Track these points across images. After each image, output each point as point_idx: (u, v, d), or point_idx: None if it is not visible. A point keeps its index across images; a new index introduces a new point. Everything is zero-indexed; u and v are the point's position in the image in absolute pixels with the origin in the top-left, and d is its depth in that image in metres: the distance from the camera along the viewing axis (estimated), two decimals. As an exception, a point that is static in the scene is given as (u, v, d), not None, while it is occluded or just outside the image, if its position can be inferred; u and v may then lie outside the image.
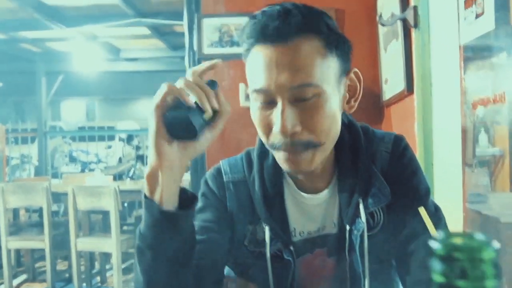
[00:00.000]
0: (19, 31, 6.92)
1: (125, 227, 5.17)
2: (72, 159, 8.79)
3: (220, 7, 2.44)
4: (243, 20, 2.61)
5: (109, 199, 3.59)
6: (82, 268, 3.96)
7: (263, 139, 0.86)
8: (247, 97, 2.29)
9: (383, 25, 2.05)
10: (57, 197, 4.05)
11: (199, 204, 0.95)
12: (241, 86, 2.32)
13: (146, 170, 0.75)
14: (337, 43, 0.83)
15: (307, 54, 0.79)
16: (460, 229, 1.43)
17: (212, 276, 0.89)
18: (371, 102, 2.42)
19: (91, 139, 8.15)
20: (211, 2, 2.45)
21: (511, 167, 1.21)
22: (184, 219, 0.77)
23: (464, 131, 1.39)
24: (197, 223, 0.91)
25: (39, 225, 4.26)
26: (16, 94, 12.78)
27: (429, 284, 0.32)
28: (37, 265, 4.55)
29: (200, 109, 0.73)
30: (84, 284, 3.96)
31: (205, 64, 0.78)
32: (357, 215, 0.88)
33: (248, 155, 0.98)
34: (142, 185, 2.65)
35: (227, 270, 1.01)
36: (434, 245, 0.29)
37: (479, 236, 0.30)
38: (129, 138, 10.11)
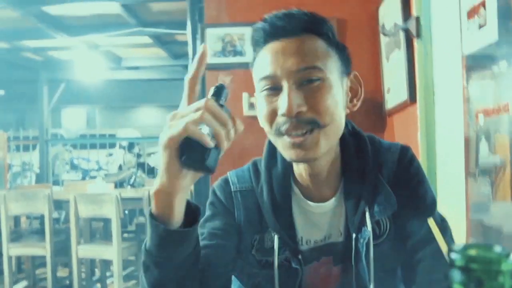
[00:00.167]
0: (22, 40, 6.94)
1: (125, 235, 5.15)
2: (73, 167, 8.79)
3: (223, 17, 2.46)
4: (246, 30, 2.63)
5: (111, 206, 3.59)
6: (83, 275, 3.95)
7: (267, 128, 0.88)
8: (250, 106, 2.30)
9: (385, 35, 2.06)
10: (59, 204, 4.05)
11: (208, 213, 0.97)
12: (245, 95, 2.34)
13: (155, 186, 0.73)
14: (337, 45, 0.88)
15: (311, 46, 0.84)
16: (463, 239, 1.43)
17: (218, 281, 0.90)
18: (374, 111, 2.43)
19: (92, 146, 8.15)
20: (215, 12, 2.47)
21: (512, 176, 1.21)
22: (190, 235, 0.77)
23: (466, 141, 1.39)
24: (205, 230, 0.93)
25: (40, 232, 4.26)
26: (18, 102, 12.82)
27: None
28: (37, 271, 4.54)
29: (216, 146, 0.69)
30: (85, 291, 3.95)
31: (195, 62, 0.74)
32: (363, 223, 0.89)
33: (255, 165, 1.00)
34: (143, 193, 2.63)
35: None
36: (453, 255, 0.30)
37: (497, 248, 0.31)
38: (130, 146, 10.11)
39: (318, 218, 0.94)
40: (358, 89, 0.93)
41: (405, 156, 0.95)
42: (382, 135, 2.41)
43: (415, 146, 1.83)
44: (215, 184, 1.01)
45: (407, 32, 1.90)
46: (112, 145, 10.04)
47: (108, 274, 4.33)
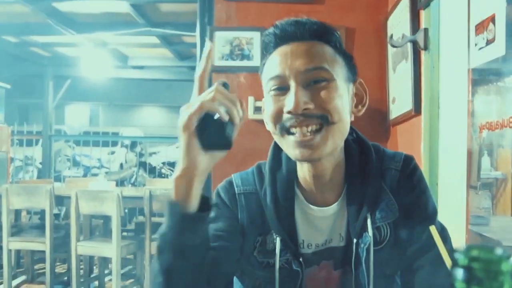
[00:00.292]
0: (31, 35, 7.00)
1: (124, 233, 5.16)
2: (75, 163, 8.82)
3: (233, 21, 2.49)
4: (255, 35, 2.65)
5: (112, 204, 3.61)
6: (81, 272, 3.97)
7: (272, 128, 0.90)
8: (255, 109, 2.32)
9: (393, 46, 2.08)
10: (60, 200, 4.06)
11: (211, 214, 0.99)
12: (250, 99, 2.35)
13: (175, 173, 0.79)
14: (344, 54, 0.91)
15: (319, 49, 0.88)
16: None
17: (221, 281, 0.92)
18: (378, 120, 2.44)
19: (95, 144, 8.18)
20: (224, 16, 2.49)
21: (513, 191, 1.23)
22: (203, 220, 0.82)
23: (469, 154, 1.41)
24: (209, 231, 0.94)
25: (40, 227, 4.28)
26: (23, 97, 12.86)
27: None
28: (36, 266, 4.56)
29: (230, 121, 0.77)
30: (82, 288, 3.97)
31: (204, 57, 0.82)
32: (365, 229, 0.91)
33: (259, 168, 1.02)
34: (144, 192, 2.65)
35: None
36: (456, 255, 0.32)
37: (498, 250, 0.33)
38: (133, 145, 10.14)
39: (320, 222, 0.96)
40: (363, 96, 0.96)
41: (409, 165, 0.97)
42: (385, 145, 2.42)
43: (418, 157, 1.84)
44: (219, 186, 1.03)
45: (414, 44, 1.92)
46: (115, 143, 10.06)
47: (106, 272, 4.35)
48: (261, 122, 0.92)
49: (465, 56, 1.41)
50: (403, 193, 0.94)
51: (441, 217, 0.97)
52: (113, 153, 9.83)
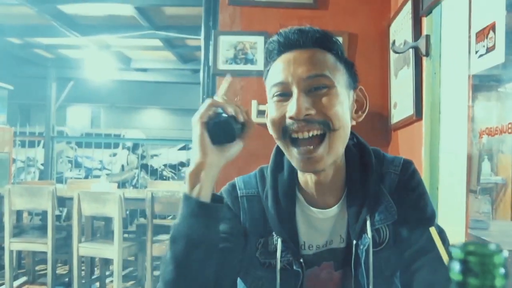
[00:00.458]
0: (35, 37, 7.03)
1: (126, 235, 5.19)
2: (77, 165, 8.84)
3: (237, 25, 2.51)
4: (258, 39, 2.67)
5: (114, 205, 3.63)
6: (82, 273, 3.98)
7: (275, 134, 0.94)
8: (259, 113, 2.34)
9: (395, 52, 2.10)
10: (62, 201, 4.08)
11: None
12: (253, 102, 2.38)
13: (189, 168, 0.87)
14: (345, 61, 0.95)
15: (320, 57, 0.91)
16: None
17: (225, 281, 0.95)
18: (379, 125, 2.46)
19: (97, 146, 8.21)
20: (228, 20, 2.52)
21: (513, 196, 1.24)
22: (216, 211, 0.87)
23: (469, 159, 1.42)
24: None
25: (42, 228, 4.30)
26: (24, 98, 12.89)
27: None
28: (37, 267, 4.57)
29: (235, 119, 0.88)
30: (84, 289, 3.98)
31: (223, 86, 0.93)
32: (364, 231, 0.94)
33: (262, 172, 1.05)
34: (146, 194, 2.69)
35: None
36: (454, 250, 0.35)
37: (492, 245, 0.36)
38: (135, 147, 10.16)
39: (321, 224, 0.98)
40: (364, 102, 0.99)
41: (408, 169, 1.00)
42: (386, 149, 2.44)
43: (419, 161, 1.86)
44: (223, 189, 1.06)
45: (416, 50, 1.94)
46: (116, 145, 10.09)
47: (107, 273, 4.37)
48: (264, 125, 0.95)
49: (466, 63, 1.43)
50: (402, 196, 0.97)
51: (441, 221, 1.00)
52: (115, 155, 9.86)
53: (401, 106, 2.23)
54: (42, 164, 8.43)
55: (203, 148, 0.86)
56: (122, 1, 5.06)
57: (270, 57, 0.96)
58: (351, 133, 1.00)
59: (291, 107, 0.88)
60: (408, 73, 2.07)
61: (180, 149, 11.32)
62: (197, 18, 4.81)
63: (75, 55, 8.28)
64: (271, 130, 0.95)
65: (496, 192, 1.33)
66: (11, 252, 3.96)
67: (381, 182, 0.98)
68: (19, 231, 4.25)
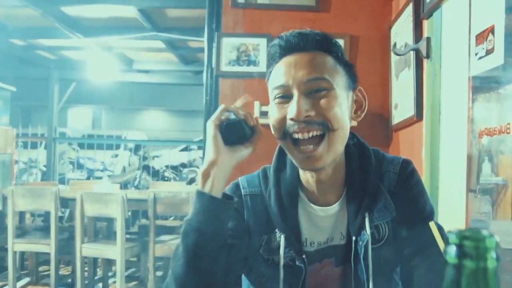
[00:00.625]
0: (38, 39, 7.07)
1: (128, 236, 5.22)
2: (79, 166, 8.86)
3: (240, 27, 2.54)
4: (261, 41, 2.69)
5: (116, 206, 3.64)
6: (85, 274, 4.00)
7: (277, 134, 0.97)
8: (261, 114, 2.37)
9: (397, 54, 2.12)
10: (64, 202, 4.09)
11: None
12: (256, 103, 2.41)
13: (202, 167, 0.92)
14: (345, 63, 0.97)
15: (320, 60, 0.94)
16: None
17: (230, 276, 0.98)
18: (381, 126, 2.49)
19: (99, 147, 8.24)
20: (231, 22, 2.55)
21: (513, 197, 1.26)
22: (227, 207, 0.92)
23: (469, 159, 1.45)
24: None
25: (44, 229, 4.31)
26: (25, 99, 12.90)
27: None
28: (40, 268, 4.59)
29: (246, 123, 0.96)
30: (87, 290, 4.00)
31: (239, 101, 1.02)
32: (363, 227, 0.97)
33: (264, 171, 1.08)
34: (149, 194, 2.71)
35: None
36: (450, 235, 0.39)
37: (484, 231, 0.41)
38: (136, 148, 10.19)
39: (322, 222, 1.01)
40: (363, 102, 1.02)
41: (406, 168, 1.03)
42: (387, 149, 2.47)
43: (420, 161, 1.89)
44: (227, 188, 1.08)
45: (417, 52, 1.96)
46: (118, 147, 10.12)
47: (110, 274, 4.39)
48: (266, 126, 0.98)
49: (466, 65, 1.45)
50: (401, 195, 1.00)
51: (441, 220, 1.02)
52: (116, 156, 9.88)
53: (402, 107, 2.25)
54: (44, 166, 8.46)
55: (216, 148, 0.92)
56: (125, 3, 5.10)
57: (272, 60, 0.99)
58: (352, 133, 1.04)
59: (292, 109, 0.91)
60: (409, 74, 2.10)
61: (181, 150, 11.35)
62: (199, 20, 4.84)
63: (77, 57, 8.32)
64: (273, 131, 0.98)
65: (497, 193, 1.35)
66: (14, 253, 3.96)
67: (380, 181, 1.01)
68: (22, 232, 4.25)
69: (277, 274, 0.99)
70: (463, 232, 0.41)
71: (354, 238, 0.97)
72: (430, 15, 1.85)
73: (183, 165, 9.52)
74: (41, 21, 5.85)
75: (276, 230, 1.01)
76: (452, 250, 0.40)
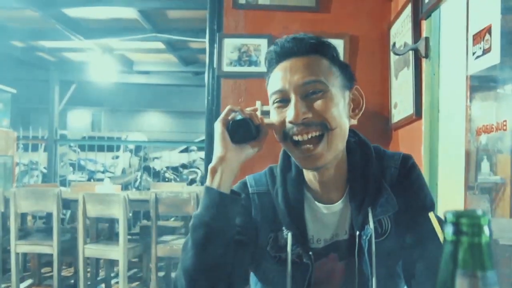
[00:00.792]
0: (38, 40, 7.10)
1: (129, 237, 5.23)
2: (80, 168, 8.88)
3: (241, 28, 2.57)
4: (262, 41, 2.72)
5: (119, 207, 3.66)
6: (88, 274, 4.01)
7: (279, 137, 1.01)
8: (262, 113, 2.39)
9: (396, 54, 2.15)
10: (66, 203, 4.11)
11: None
12: (258, 103, 2.43)
13: (211, 164, 0.96)
14: (340, 64, 1.01)
15: (315, 63, 0.97)
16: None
17: (238, 270, 1.00)
18: (380, 124, 2.51)
19: (100, 148, 8.25)
20: (232, 23, 2.58)
21: (512, 195, 1.28)
22: (234, 202, 0.95)
23: (467, 156, 1.47)
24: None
25: (46, 231, 4.33)
26: (25, 102, 12.90)
27: (432, 285, 0.45)
28: (42, 270, 4.60)
29: (252, 122, 0.99)
30: (89, 290, 4.02)
31: (249, 108, 1.05)
32: (366, 222, 1.00)
33: (271, 170, 1.12)
34: (150, 195, 2.75)
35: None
36: (447, 214, 0.43)
37: (478, 211, 0.44)
38: (137, 149, 10.21)
39: (327, 219, 1.04)
40: (360, 100, 1.06)
41: (407, 163, 1.06)
42: (387, 148, 2.45)
43: (419, 159, 1.91)
44: (234, 186, 1.11)
45: (416, 52, 1.99)
46: (118, 148, 10.14)
47: (112, 274, 4.42)
48: (269, 126, 1.02)
49: (464, 64, 1.47)
50: (402, 189, 1.03)
51: (440, 216, 1.04)
52: (117, 157, 9.91)
53: (401, 106, 2.28)
54: (44, 168, 8.47)
55: (224, 144, 0.97)
56: (125, 5, 5.13)
57: (269, 66, 1.03)
58: (353, 131, 1.07)
59: (290, 113, 0.95)
60: (408, 74, 2.13)
61: (181, 151, 11.37)
62: (200, 21, 4.87)
63: (77, 58, 8.34)
64: (274, 133, 1.02)
65: (496, 192, 1.37)
66: (17, 254, 3.98)
67: (382, 176, 1.04)
68: (24, 234, 4.26)
69: (284, 271, 1.02)
70: (459, 211, 0.44)
71: (358, 233, 1.00)
72: (428, 15, 1.88)
73: (184, 166, 9.54)
74: (41, 22, 5.88)
75: (283, 227, 1.04)
76: (450, 228, 0.44)
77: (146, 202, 3.82)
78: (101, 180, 6.64)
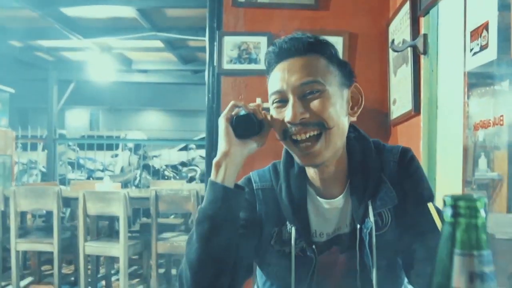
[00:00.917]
0: (36, 40, 7.09)
1: (129, 235, 5.24)
2: (79, 166, 8.88)
3: (240, 26, 2.59)
4: (262, 39, 2.74)
5: (119, 204, 3.69)
6: (88, 272, 4.03)
7: (279, 136, 1.03)
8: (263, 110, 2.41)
9: (394, 50, 2.17)
10: (66, 202, 4.13)
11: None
12: (258, 100, 2.45)
13: (216, 158, 0.98)
14: (338, 62, 1.02)
15: (313, 63, 0.99)
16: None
17: (242, 263, 1.03)
18: (379, 120, 2.53)
19: (99, 147, 8.26)
20: (232, 21, 2.59)
21: (508, 191, 1.29)
22: (238, 196, 0.98)
23: (465, 151, 1.49)
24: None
25: (46, 229, 4.35)
26: (23, 101, 12.89)
27: (431, 276, 0.47)
28: (42, 268, 4.62)
29: (255, 116, 1.01)
30: (90, 288, 4.04)
31: (253, 103, 1.05)
32: (367, 215, 1.02)
33: (275, 166, 1.14)
34: (150, 193, 2.78)
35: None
36: (446, 198, 0.45)
37: (475, 195, 0.47)
38: (136, 148, 10.23)
39: (329, 213, 1.07)
40: (359, 98, 1.07)
41: (406, 156, 1.08)
42: (386, 143, 2.51)
43: (417, 154, 1.92)
44: (239, 182, 1.14)
45: (414, 48, 2.01)
46: (117, 147, 10.15)
47: (112, 272, 4.43)
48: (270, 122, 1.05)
49: (461, 60, 1.49)
50: (402, 182, 1.05)
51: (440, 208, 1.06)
52: (116, 156, 9.92)
53: (400, 102, 2.30)
54: (43, 167, 8.48)
55: (228, 139, 0.99)
56: (124, 3, 5.13)
57: (269, 66, 1.05)
58: (353, 126, 1.10)
59: (288, 113, 0.97)
60: (406, 70, 2.15)
61: (180, 150, 11.39)
62: (198, 20, 4.88)
63: (76, 57, 8.34)
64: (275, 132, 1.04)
65: (493, 188, 1.38)
66: (17, 252, 4.00)
67: (382, 170, 1.07)
68: (24, 232, 4.28)
69: (289, 265, 1.04)
70: (457, 195, 0.47)
71: (358, 226, 1.02)
72: (426, 12, 1.90)
73: (183, 164, 9.57)
74: (39, 22, 5.87)
75: (287, 222, 1.06)
76: (448, 211, 0.47)
77: (146, 199, 3.84)
78: (101, 178, 6.65)
